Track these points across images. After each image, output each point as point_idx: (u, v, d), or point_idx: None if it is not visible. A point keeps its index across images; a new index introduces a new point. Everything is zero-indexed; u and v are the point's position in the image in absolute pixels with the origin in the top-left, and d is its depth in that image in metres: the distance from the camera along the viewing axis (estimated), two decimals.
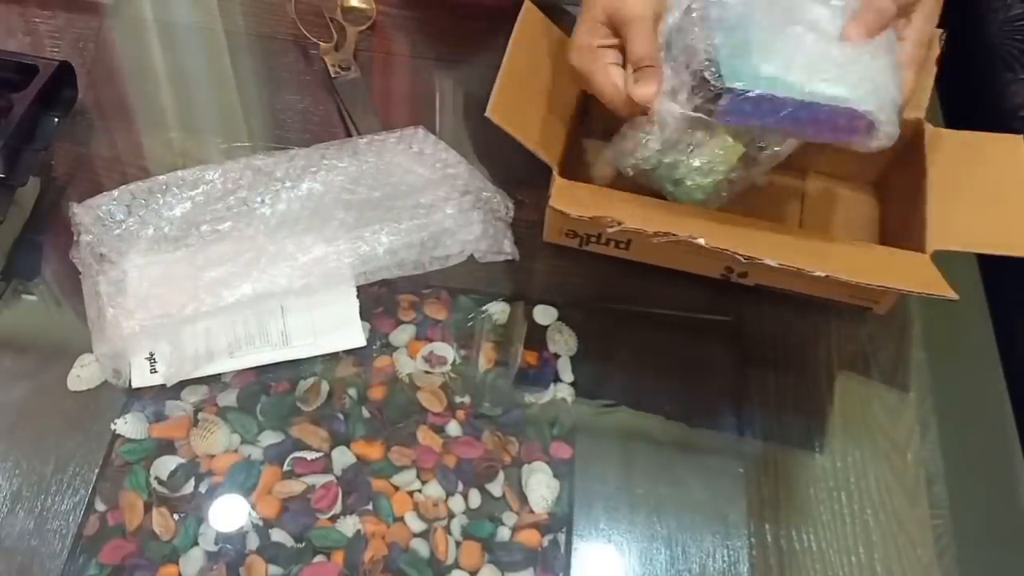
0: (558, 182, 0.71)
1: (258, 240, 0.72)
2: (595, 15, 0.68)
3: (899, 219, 0.76)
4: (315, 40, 0.87)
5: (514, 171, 0.79)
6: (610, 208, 0.68)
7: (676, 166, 0.71)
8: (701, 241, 0.65)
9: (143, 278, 0.70)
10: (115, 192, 0.74)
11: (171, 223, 0.73)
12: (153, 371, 0.68)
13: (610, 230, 0.68)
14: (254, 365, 0.69)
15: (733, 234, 0.68)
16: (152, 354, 0.68)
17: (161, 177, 0.75)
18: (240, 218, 0.74)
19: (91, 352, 0.68)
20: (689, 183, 0.71)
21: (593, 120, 0.80)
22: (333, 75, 0.85)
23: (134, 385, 0.67)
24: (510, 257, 0.75)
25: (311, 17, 0.88)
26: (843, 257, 0.70)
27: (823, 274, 0.64)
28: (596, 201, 0.70)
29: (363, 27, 0.89)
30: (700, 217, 0.70)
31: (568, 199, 0.69)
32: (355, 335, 0.71)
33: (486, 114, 0.68)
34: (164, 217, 0.73)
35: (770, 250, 0.66)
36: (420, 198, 0.75)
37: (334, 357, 0.70)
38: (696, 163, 0.71)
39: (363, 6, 0.91)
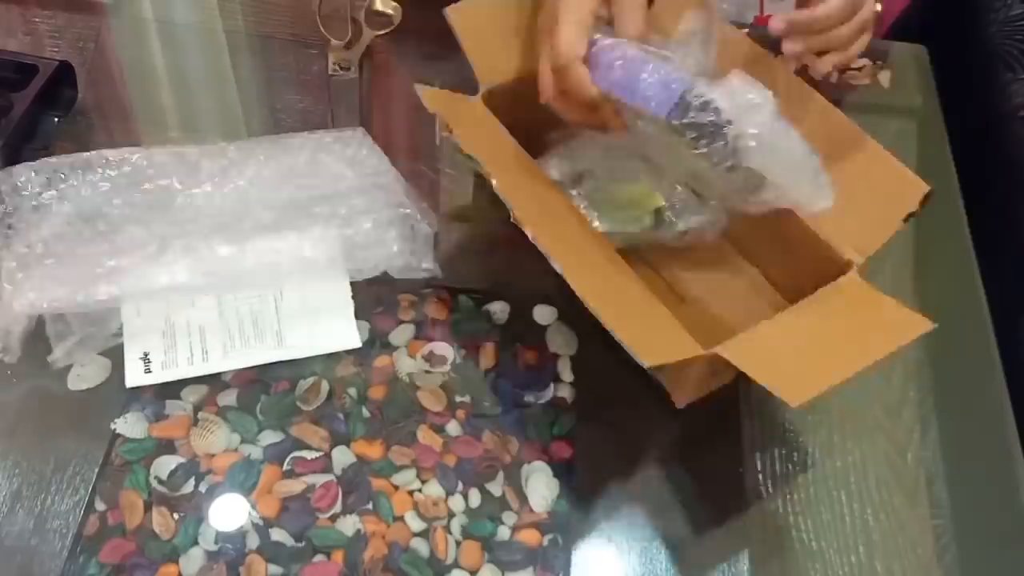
0: (478, 106, 0.71)
1: (169, 232, 0.71)
2: None
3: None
4: (329, 36, 0.87)
5: None
6: (491, 155, 0.67)
7: (598, 192, 0.73)
8: (528, 231, 0.62)
9: (48, 255, 0.69)
10: (37, 163, 0.72)
11: (89, 202, 0.71)
12: (147, 371, 0.68)
13: (459, 155, 0.67)
14: (249, 365, 0.69)
15: (568, 244, 0.65)
16: (147, 353, 0.68)
17: (85, 154, 0.73)
18: (155, 207, 0.72)
19: (91, 351, 0.69)
20: (605, 220, 0.72)
21: None
22: (331, 72, 0.85)
23: (128, 384, 0.67)
24: (430, 275, 0.74)
25: (330, 13, 0.88)
26: (637, 317, 0.64)
27: (588, 303, 0.60)
28: (487, 139, 0.68)
29: (382, 32, 0.89)
30: (559, 216, 0.68)
31: (463, 117, 0.67)
32: (350, 336, 0.71)
33: (444, 9, 0.68)
34: (83, 195, 0.71)
35: (582, 273, 0.62)
36: (340, 208, 0.74)
37: (334, 357, 0.70)
38: (612, 205, 0.72)
39: (388, 11, 0.91)
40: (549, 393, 0.70)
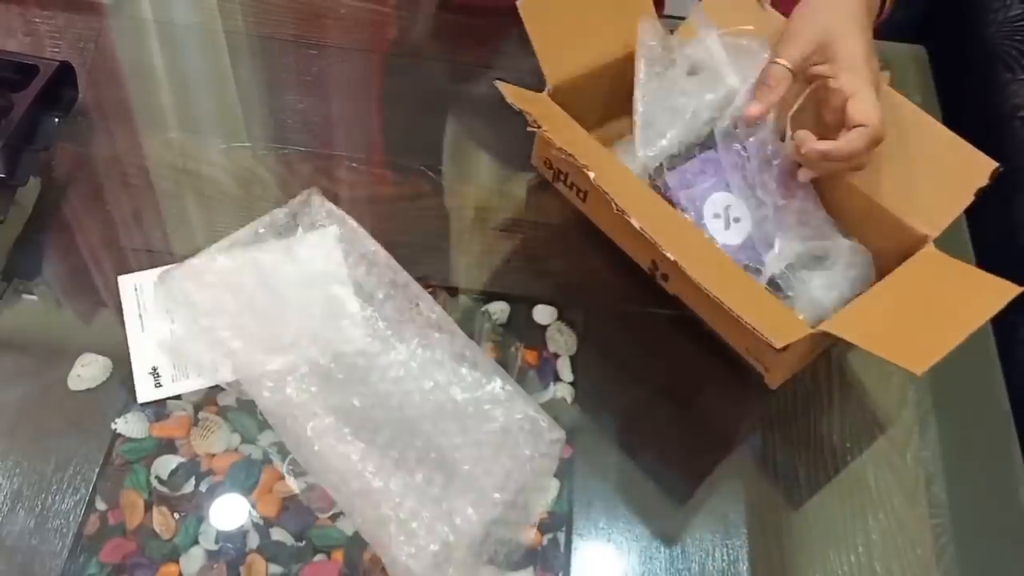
0: (544, 100, 0.72)
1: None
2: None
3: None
4: None
5: (527, 174, 0.80)
6: (582, 150, 0.68)
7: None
8: (634, 221, 0.64)
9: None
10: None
11: None
12: (158, 385, 0.68)
13: (554, 151, 0.68)
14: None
15: (669, 232, 0.66)
16: (155, 368, 0.68)
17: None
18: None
19: (91, 352, 0.69)
20: None
21: None
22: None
23: (140, 400, 0.67)
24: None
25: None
26: (751, 301, 0.65)
27: (710, 290, 0.61)
28: (572, 135, 0.69)
29: None
30: (653, 206, 0.70)
31: (544, 113, 0.68)
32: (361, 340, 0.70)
33: (518, 2, 0.69)
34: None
35: (691, 260, 0.63)
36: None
37: None
38: None
39: None
40: (549, 393, 0.70)
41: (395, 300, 0.70)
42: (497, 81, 0.68)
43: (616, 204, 0.65)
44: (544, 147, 0.75)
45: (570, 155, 0.66)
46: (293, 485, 0.64)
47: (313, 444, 0.63)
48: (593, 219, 0.76)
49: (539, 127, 0.67)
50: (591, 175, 0.65)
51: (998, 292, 0.64)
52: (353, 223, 0.73)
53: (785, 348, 0.61)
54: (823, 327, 0.62)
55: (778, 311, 0.66)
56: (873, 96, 0.66)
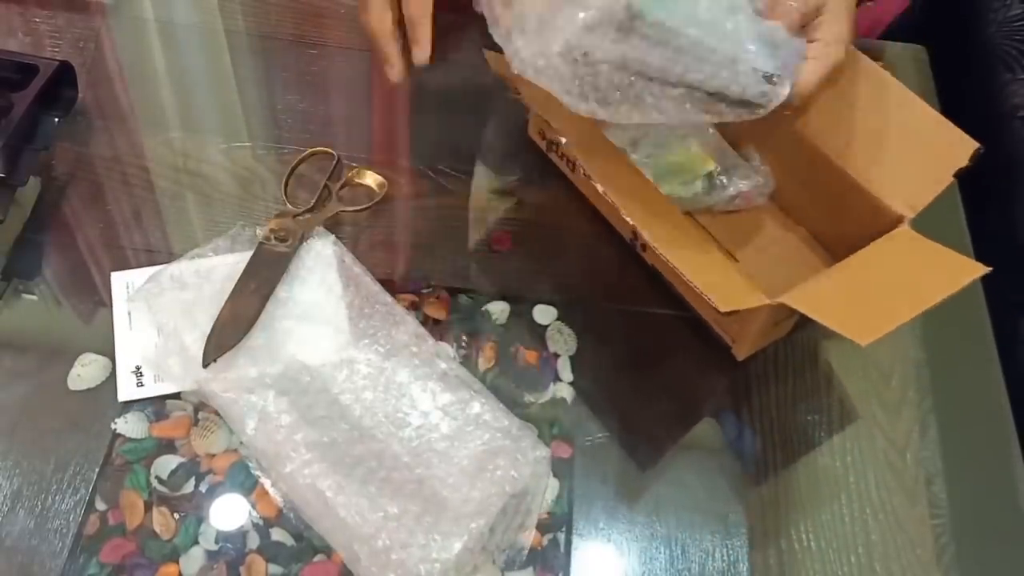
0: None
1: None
2: None
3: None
4: (288, 201, 0.76)
5: (519, 170, 0.80)
6: (557, 115, 0.67)
7: (650, 158, 0.75)
8: (598, 185, 0.65)
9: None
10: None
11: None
12: (140, 384, 0.68)
13: (532, 117, 0.69)
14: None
15: (636, 199, 0.66)
16: (139, 367, 0.68)
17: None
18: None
19: (91, 352, 0.69)
20: (659, 186, 0.73)
21: None
22: (262, 239, 0.72)
23: (120, 399, 0.67)
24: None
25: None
26: (708, 268, 0.65)
27: (663, 255, 0.62)
28: (554, 102, 0.68)
29: (355, 209, 0.77)
30: (626, 175, 0.70)
31: (530, 87, 0.67)
32: (342, 347, 0.69)
33: None
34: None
35: (652, 226, 0.64)
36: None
37: None
38: (665, 170, 0.74)
39: (372, 185, 0.79)
40: (549, 393, 0.70)
41: (376, 322, 0.70)
42: (485, 49, 0.69)
43: (584, 169, 0.66)
44: (536, 117, 0.76)
45: (545, 120, 0.66)
46: (279, 499, 0.64)
47: (291, 480, 0.62)
48: (582, 189, 0.77)
49: (518, 93, 0.68)
50: (562, 140, 0.66)
51: (964, 270, 0.63)
52: (339, 243, 0.73)
53: (732, 314, 0.61)
54: (779, 299, 0.62)
55: (734, 281, 0.66)
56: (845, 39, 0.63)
